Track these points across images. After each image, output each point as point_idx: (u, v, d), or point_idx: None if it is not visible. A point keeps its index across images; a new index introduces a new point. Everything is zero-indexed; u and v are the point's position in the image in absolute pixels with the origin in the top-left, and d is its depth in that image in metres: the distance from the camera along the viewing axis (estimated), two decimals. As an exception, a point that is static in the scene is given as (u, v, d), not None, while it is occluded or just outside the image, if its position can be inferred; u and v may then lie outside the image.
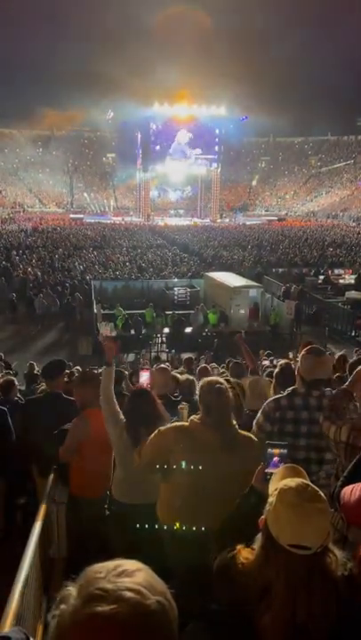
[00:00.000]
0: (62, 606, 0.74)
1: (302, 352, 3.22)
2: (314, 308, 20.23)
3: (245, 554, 1.48)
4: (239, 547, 1.52)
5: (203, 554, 1.81)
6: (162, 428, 2.81)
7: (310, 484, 1.50)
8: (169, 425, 2.84)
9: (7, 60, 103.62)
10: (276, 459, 1.88)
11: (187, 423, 2.77)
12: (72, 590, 0.75)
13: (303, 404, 3.07)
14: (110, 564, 0.79)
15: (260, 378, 5.25)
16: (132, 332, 17.83)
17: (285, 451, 1.97)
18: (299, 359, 3.24)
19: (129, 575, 0.76)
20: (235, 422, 2.70)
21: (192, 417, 2.77)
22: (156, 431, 2.81)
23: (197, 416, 2.74)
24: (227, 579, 1.45)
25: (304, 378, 3.11)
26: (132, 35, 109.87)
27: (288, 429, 3.05)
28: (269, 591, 1.39)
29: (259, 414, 3.20)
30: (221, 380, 2.83)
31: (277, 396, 3.25)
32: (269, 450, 1.88)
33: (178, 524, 2.53)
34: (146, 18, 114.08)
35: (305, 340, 15.20)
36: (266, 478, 1.81)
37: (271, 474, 1.77)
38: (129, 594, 0.72)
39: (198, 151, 62.90)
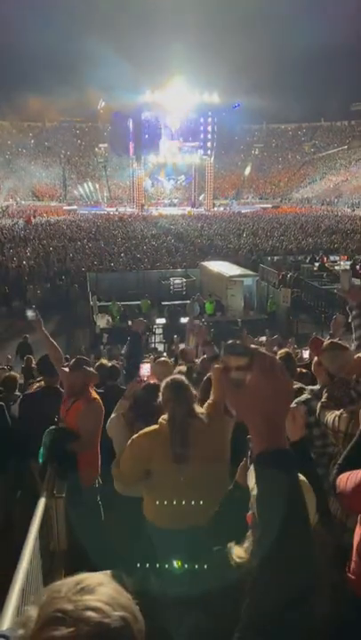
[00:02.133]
0: (21, 631, 0.70)
1: (327, 348, 3.12)
2: (295, 293, 20.21)
3: (238, 552, 1.47)
4: (230, 544, 1.51)
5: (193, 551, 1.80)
6: (135, 437, 2.77)
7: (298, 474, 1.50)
8: (140, 432, 2.78)
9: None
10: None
11: (157, 426, 2.72)
12: (32, 613, 0.71)
13: None
14: (71, 580, 0.75)
15: None
16: (129, 323, 17.80)
17: None
18: (322, 355, 3.12)
19: (90, 592, 0.72)
20: (200, 412, 2.69)
21: (161, 417, 2.74)
22: (129, 441, 2.77)
23: (165, 416, 2.72)
24: (222, 573, 1.45)
25: (333, 375, 3.00)
26: (122, 22, 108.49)
27: (316, 433, 2.94)
28: None
29: None
30: (180, 377, 2.81)
31: (305, 398, 3.12)
32: (251, 444, 1.81)
33: (179, 563, 2.47)
34: (137, 5, 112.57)
35: (310, 332, 15.16)
36: None
37: None
38: (89, 613, 0.69)
39: (191, 139, 62.49)
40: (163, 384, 2.79)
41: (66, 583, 0.75)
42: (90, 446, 3.69)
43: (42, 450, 3.75)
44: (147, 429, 2.79)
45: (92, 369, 4.09)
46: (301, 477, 1.53)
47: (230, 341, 0.98)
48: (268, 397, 0.92)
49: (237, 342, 0.97)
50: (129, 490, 3.03)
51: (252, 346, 0.97)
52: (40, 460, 3.77)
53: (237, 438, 2.66)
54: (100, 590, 0.73)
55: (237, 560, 1.44)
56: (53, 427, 3.76)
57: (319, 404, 2.82)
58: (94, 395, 3.89)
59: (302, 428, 2.29)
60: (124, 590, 0.77)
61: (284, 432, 0.94)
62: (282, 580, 0.83)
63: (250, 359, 0.94)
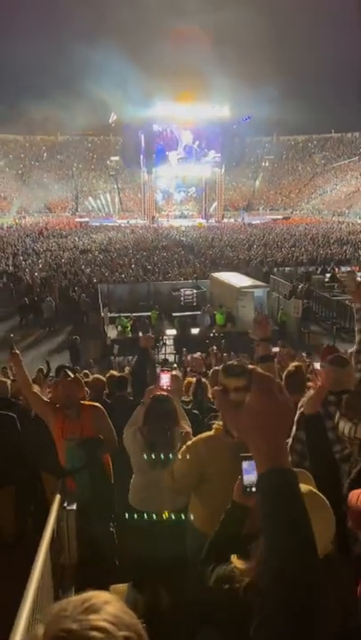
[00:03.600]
0: None
1: (326, 362, 3.13)
2: (306, 304, 20.12)
3: (239, 564, 1.48)
4: (233, 557, 1.52)
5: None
6: (189, 443, 2.78)
7: (317, 491, 1.50)
8: (195, 438, 2.79)
9: (8, 67, 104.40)
10: (247, 469, 1.75)
11: (212, 432, 2.73)
12: (39, 631, 0.72)
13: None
14: (78, 598, 0.75)
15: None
16: (139, 334, 17.88)
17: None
18: (322, 368, 3.14)
19: (95, 611, 0.73)
20: None
21: (216, 424, 2.73)
22: (183, 448, 2.77)
23: (221, 422, 2.70)
24: (229, 588, 1.45)
25: (331, 390, 2.97)
26: (133, 36, 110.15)
27: (330, 437, 2.98)
28: None
29: (292, 438, 2.99)
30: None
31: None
32: (243, 462, 1.75)
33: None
34: (147, 18, 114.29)
35: (321, 343, 15.10)
36: (246, 491, 1.75)
37: (250, 486, 1.72)
38: (94, 633, 0.70)
39: (202, 152, 62.97)
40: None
41: (72, 601, 0.75)
42: (115, 446, 3.78)
43: (72, 463, 3.69)
44: (202, 435, 2.80)
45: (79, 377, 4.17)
46: (317, 492, 1.53)
47: (228, 362, 0.99)
48: (268, 417, 0.93)
49: (235, 363, 0.98)
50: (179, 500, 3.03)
51: (250, 366, 0.98)
52: (69, 474, 3.71)
53: None
54: (105, 609, 0.74)
55: (238, 572, 1.44)
56: (80, 438, 3.67)
57: (338, 414, 2.83)
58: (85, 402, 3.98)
59: (319, 400, 2.34)
60: (130, 609, 0.77)
61: (285, 451, 0.95)
62: (290, 600, 0.84)
63: (248, 380, 0.96)
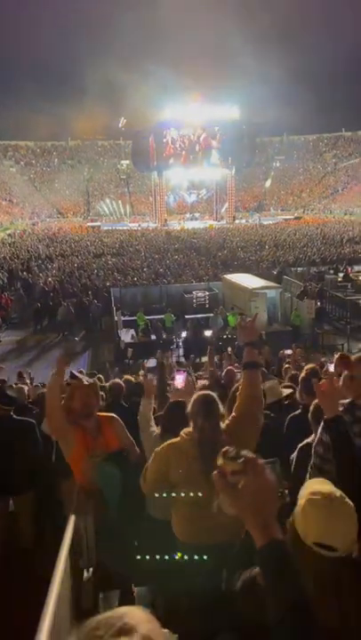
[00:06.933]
0: None
1: (358, 361, 3.07)
2: (318, 304, 19.96)
3: None
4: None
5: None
6: (157, 448, 2.87)
7: (340, 491, 1.51)
8: (164, 444, 2.88)
9: (17, 74, 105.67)
10: None
11: (178, 439, 2.80)
12: None
13: None
14: (110, 616, 0.75)
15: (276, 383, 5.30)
16: (153, 337, 17.96)
17: (275, 465, 2.10)
18: (355, 368, 3.10)
19: (128, 632, 0.73)
20: (224, 428, 2.74)
21: (183, 431, 2.80)
22: (153, 453, 2.88)
23: (188, 430, 2.77)
24: (253, 592, 1.46)
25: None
26: (141, 40, 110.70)
27: (358, 444, 2.93)
28: None
29: (316, 441, 2.88)
30: (210, 393, 2.84)
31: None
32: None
33: (180, 554, 2.66)
34: (155, 23, 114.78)
35: (335, 343, 14.88)
36: None
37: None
38: None
39: (212, 153, 62.95)
40: (193, 398, 2.83)
41: (104, 622, 0.75)
42: (139, 457, 3.67)
43: (101, 482, 3.42)
44: (170, 440, 2.87)
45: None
46: (344, 497, 1.52)
47: (225, 448, 1.22)
48: (261, 497, 1.14)
49: (232, 449, 1.21)
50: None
51: (243, 452, 1.20)
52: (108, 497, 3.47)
53: (262, 445, 2.68)
54: (138, 631, 0.74)
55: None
56: (105, 454, 3.47)
57: None
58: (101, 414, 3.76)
59: (337, 402, 2.35)
60: (162, 627, 0.80)
61: (277, 524, 1.15)
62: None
63: (243, 465, 1.17)
